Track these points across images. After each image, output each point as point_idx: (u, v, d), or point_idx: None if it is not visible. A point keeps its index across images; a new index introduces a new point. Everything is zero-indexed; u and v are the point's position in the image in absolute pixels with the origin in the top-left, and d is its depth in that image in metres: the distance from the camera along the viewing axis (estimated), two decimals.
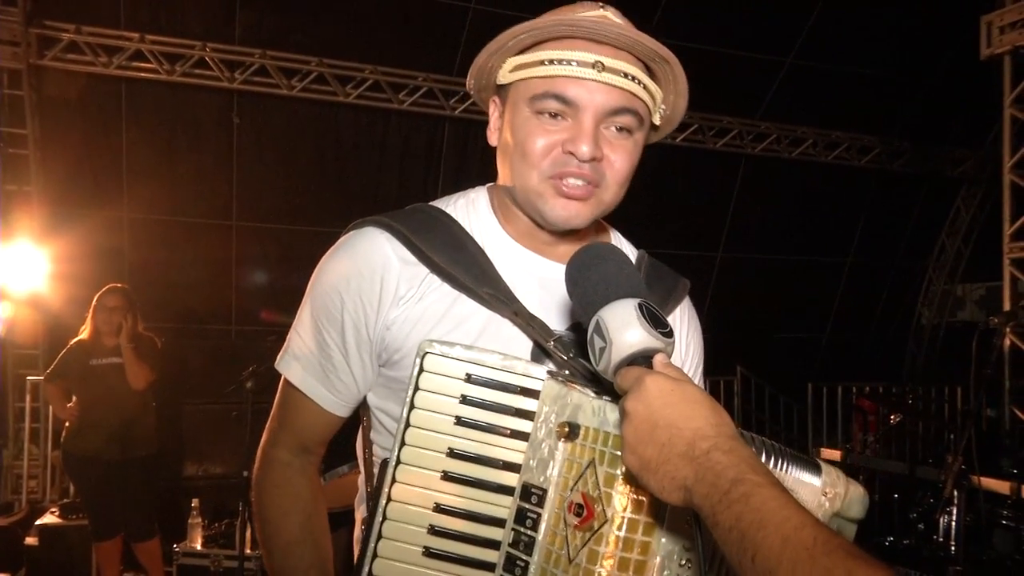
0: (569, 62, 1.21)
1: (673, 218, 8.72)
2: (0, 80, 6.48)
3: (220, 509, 6.02)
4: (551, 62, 1.23)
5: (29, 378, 6.76)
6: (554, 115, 1.24)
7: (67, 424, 5.17)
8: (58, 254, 6.64)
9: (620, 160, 1.26)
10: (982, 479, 3.99)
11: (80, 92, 6.86)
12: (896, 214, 9.95)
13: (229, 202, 7.47)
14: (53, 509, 5.60)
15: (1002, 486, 4.57)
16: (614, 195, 1.30)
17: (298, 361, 1.38)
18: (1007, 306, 6.79)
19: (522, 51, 1.28)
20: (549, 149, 1.24)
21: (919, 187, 9.85)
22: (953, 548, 4.14)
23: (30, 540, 5.41)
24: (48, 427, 6.76)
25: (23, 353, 6.85)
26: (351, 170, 7.73)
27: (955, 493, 3.97)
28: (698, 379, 1.55)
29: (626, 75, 1.23)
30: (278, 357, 1.42)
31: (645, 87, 1.26)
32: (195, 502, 5.38)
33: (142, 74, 6.78)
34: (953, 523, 4.16)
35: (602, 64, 1.21)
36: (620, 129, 1.26)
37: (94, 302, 5.16)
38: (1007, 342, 6.54)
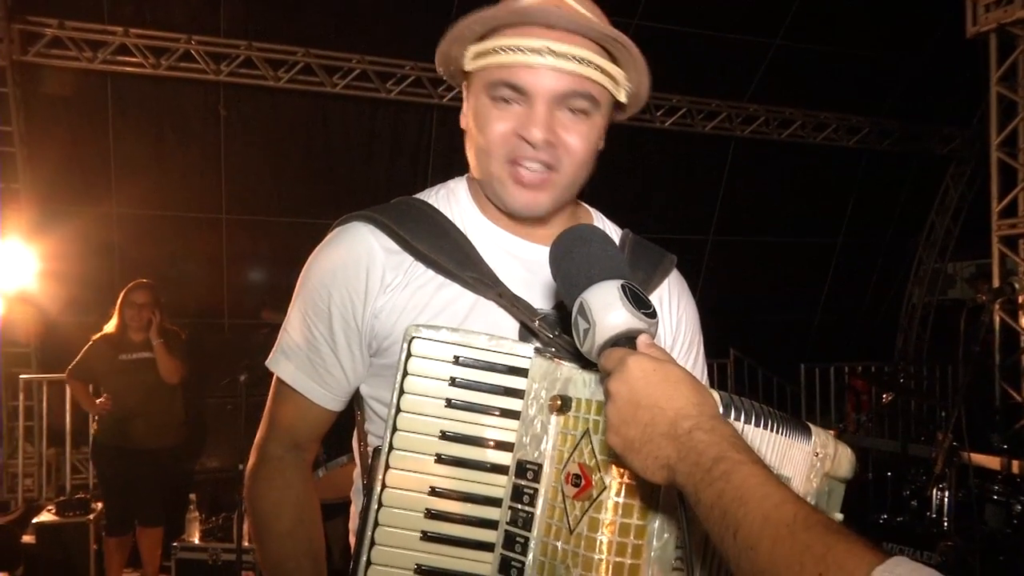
0: (520, 49, 1.23)
1: (663, 202, 8.75)
2: None
3: (217, 503, 6.03)
4: (504, 50, 1.25)
5: (22, 376, 6.75)
6: (509, 101, 1.26)
7: (96, 417, 5.30)
8: (48, 251, 6.62)
9: (576, 142, 1.28)
10: (973, 455, 4.03)
11: (65, 88, 6.81)
12: (886, 194, 9.98)
13: (219, 196, 7.44)
14: (49, 507, 5.60)
15: (992, 461, 4.62)
16: (572, 177, 1.31)
17: (288, 358, 1.39)
18: (996, 284, 6.83)
19: (481, 39, 1.30)
20: (504, 135, 1.26)
21: (908, 166, 9.88)
22: (945, 524, 4.19)
23: (27, 538, 5.41)
24: (42, 425, 6.76)
25: (15, 351, 6.83)
26: (340, 160, 7.71)
27: (946, 470, 4.01)
28: (697, 349, 1.55)
29: (577, 59, 1.24)
30: (269, 356, 1.43)
31: (601, 69, 1.27)
32: (192, 496, 5.41)
33: (127, 68, 6.74)
34: (945, 499, 4.20)
35: (550, 49, 1.22)
36: (575, 112, 1.27)
37: (121, 298, 5.23)
38: (996, 318, 6.57)
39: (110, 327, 5.25)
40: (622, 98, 1.34)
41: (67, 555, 5.26)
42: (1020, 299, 6.26)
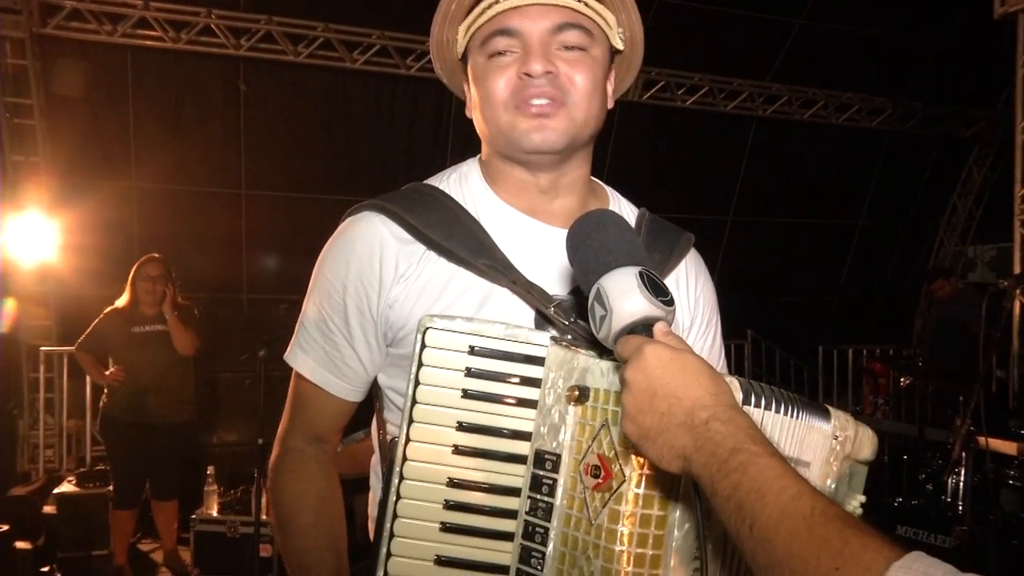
0: None
1: (684, 181, 8.69)
2: (3, 49, 6.46)
3: (235, 476, 6.10)
4: (490, 6, 1.29)
5: (42, 349, 6.81)
6: (504, 53, 1.28)
7: (106, 390, 5.31)
8: (68, 225, 6.67)
9: (580, 75, 1.29)
10: (990, 440, 4.00)
11: (85, 61, 6.82)
12: (907, 176, 9.87)
13: (238, 171, 7.46)
14: (70, 478, 5.68)
15: (1009, 447, 4.58)
16: (585, 111, 1.31)
17: (306, 353, 1.40)
18: (1017, 268, 6.75)
19: (468, 12, 1.33)
20: (508, 82, 1.28)
21: (931, 148, 9.75)
22: (960, 508, 4.18)
23: (48, 508, 5.49)
24: (63, 397, 6.83)
25: (35, 324, 6.90)
26: (359, 137, 7.69)
27: (963, 454, 3.99)
28: (715, 329, 1.55)
29: None
30: (288, 350, 1.44)
31: (587, 4, 1.29)
32: (210, 469, 5.47)
33: (147, 42, 6.74)
34: (961, 484, 4.19)
35: None
36: (571, 48, 1.28)
37: (133, 271, 5.24)
38: (1017, 304, 6.51)
39: (121, 301, 5.27)
40: (617, 42, 1.35)
41: (87, 525, 5.33)
42: None
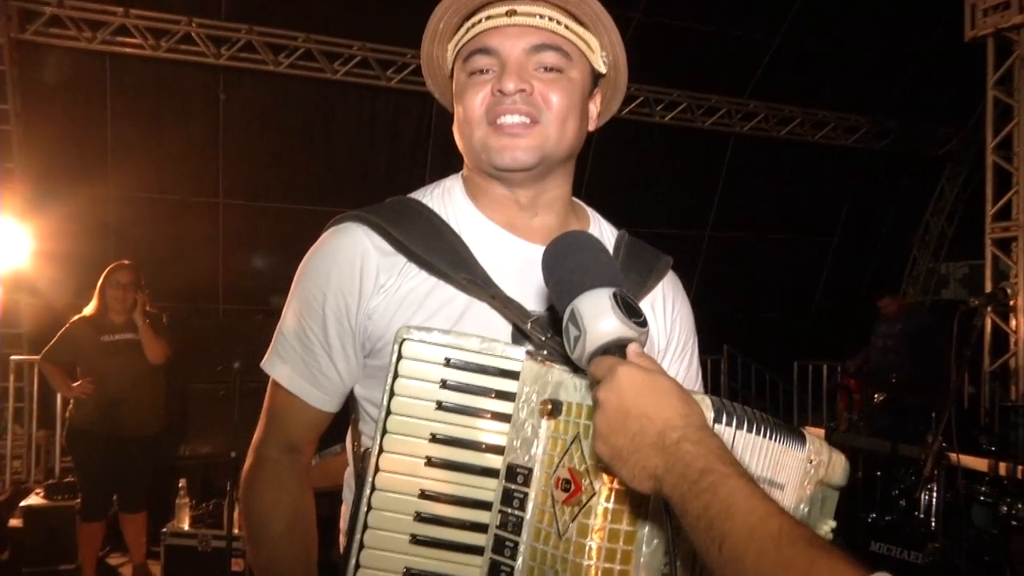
0: (488, 17, 1.31)
1: (661, 197, 8.76)
2: None
3: (207, 489, 6.02)
4: (473, 25, 1.32)
5: (13, 358, 6.71)
6: (484, 71, 1.31)
7: (73, 400, 5.16)
8: (42, 231, 6.59)
9: (555, 95, 1.31)
10: (961, 457, 4.05)
11: (63, 67, 6.78)
12: (882, 193, 10.02)
13: (216, 179, 7.43)
14: (38, 490, 5.58)
15: (980, 463, 4.65)
16: (558, 130, 1.32)
17: (283, 360, 1.40)
18: (989, 286, 6.85)
19: (457, 31, 1.36)
20: (484, 99, 1.31)
21: (905, 166, 9.89)
22: (933, 524, 4.22)
23: (14, 522, 5.36)
24: (32, 407, 6.72)
25: (7, 332, 6.80)
26: (339, 147, 7.69)
27: (935, 471, 4.04)
28: (691, 351, 1.56)
29: (542, 16, 1.30)
30: (265, 358, 1.43)
31: (568, 27, 1.32)
32: (182, 482, 5.39)
33: (127, 49, 6.71)
34: (933, 500, 4.23)
35: (515, 11, 1.29)
36: (548, 69, 1.31)
37: (102, 279, 5.13)
38: (988, 322, 6.60)
39: (89, 309, 5.12)
40: (599, 65, 1.37)
41: (55, 539, 5.23)
42: (1011, 303, 6.29)
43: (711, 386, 8.40)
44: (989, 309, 5.81)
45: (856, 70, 8.64)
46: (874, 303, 7.02)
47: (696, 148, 8.81)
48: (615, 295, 1.03)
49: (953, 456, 4.02)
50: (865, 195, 9.83)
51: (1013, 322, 6.69)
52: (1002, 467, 4.73)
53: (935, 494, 4.21)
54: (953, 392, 3.83)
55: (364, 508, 1.18)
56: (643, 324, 1.03)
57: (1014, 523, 4.26)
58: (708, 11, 7.61)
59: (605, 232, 1.51)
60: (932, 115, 9.45)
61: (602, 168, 7.47)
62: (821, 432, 5.91)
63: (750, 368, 9.04)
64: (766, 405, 8.97)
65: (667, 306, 1.51)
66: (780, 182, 9.24)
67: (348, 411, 1.46)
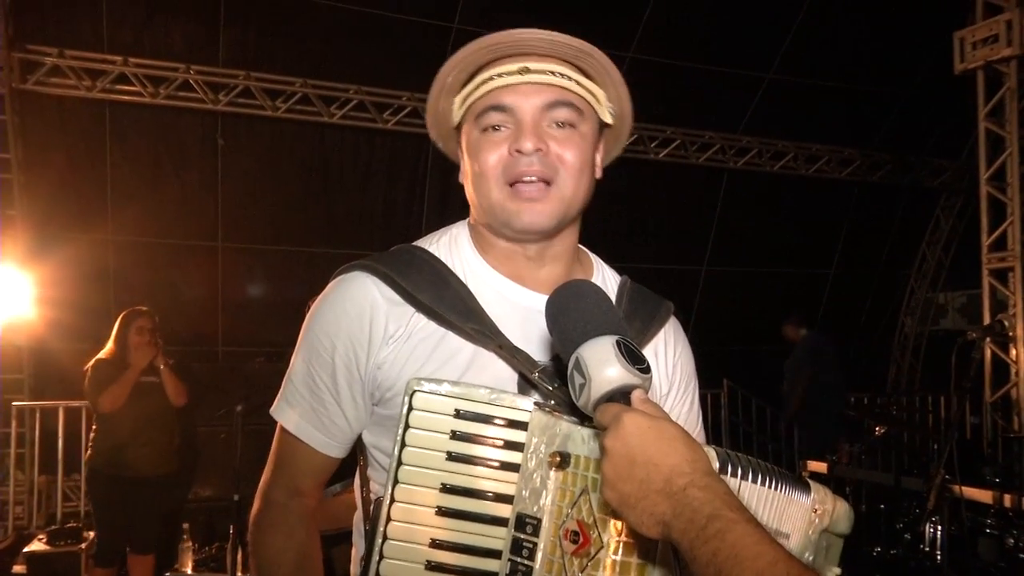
0: (500, 75, 1.32)
1: (658, 233, 8.81)
2: None
3: (210, 532, 6.00)
4: (485, 82, 1.34)
5: (14, 404, 6.70)
6: (498, 128, 1.33)
7: (91, 443, 5.16)
8: (43, 278, 6.62)
9: (569, 152, 1.34)
10: (965, 489, 4.04)
11: (64, 115, 6.85)
12: (877, 225, 10.06)
13: (215, 224, 7.47)
14: (40, 536, 5.56)
15: (985, 495, 4.62)
16: (573, 188, 1.35)
17: (292, 407, 1.42)
18: (987, 317, 6.87)
19: (464, 85, 1.38)
20: (500, 158, 1.33)
21: (899, 198, 9.96)
22: (939, 557, 4.19)
23: (18, 568, 5.37)
24: (34, 453, 6.72)
25: (8, 378, 6.79)
26: (337, 190, 7.74)
27: (939, 504, 4.02)
28: (692, 395, 1.58)
29: (554, 73, 1.32)
30: (274, 404, 1.45)
31: (578, 83, 1.34)
32: (185, 526, 5.38)
33: (126, 97, 6.78)
34: (938, 533, 4.21)
35: (528, 68, 1.32)
36: (561, 125, 1.34)
37: (120, 324, 5.15)
38: (987, 353, 6.61)
39: (104, 353, 5.15)
40: (606, 116, 1.40)
41: None
42: (1010, 333, 6.31)
43: (711, 421, 8.38)
44: (988, 340, 5.82)
45: (848, 104, 8.73)
46: (874, 334, 7.12)
47: (691, 184, 8.87)
48: (618, 343, 1.05)
49: (957, 488, 4.00)
50: (861, 227, 9.89)
51: (1013, 352, 6.70)
52: (1007, 499, 4.71)
53: (940, 527, 4.19)
54: (954, 424, 3.84)
55: (376, 557, 1.19)
56: (646, 371, 1.05)
57: (1022, 555, 4.24)
58: (700, 48, 7.72)
59: (608, 279, 1.54)
60: (925, 147, 9.53)
61: (598, 206, 7.51)
62: (823, 466, 5.88)
63: (751, 402, 9.02)
64: (767, 439, 8.95)
65: (669, 351, 1.54)
66: (776, 216, 9.29)
67: (352, 452, 1.48)
